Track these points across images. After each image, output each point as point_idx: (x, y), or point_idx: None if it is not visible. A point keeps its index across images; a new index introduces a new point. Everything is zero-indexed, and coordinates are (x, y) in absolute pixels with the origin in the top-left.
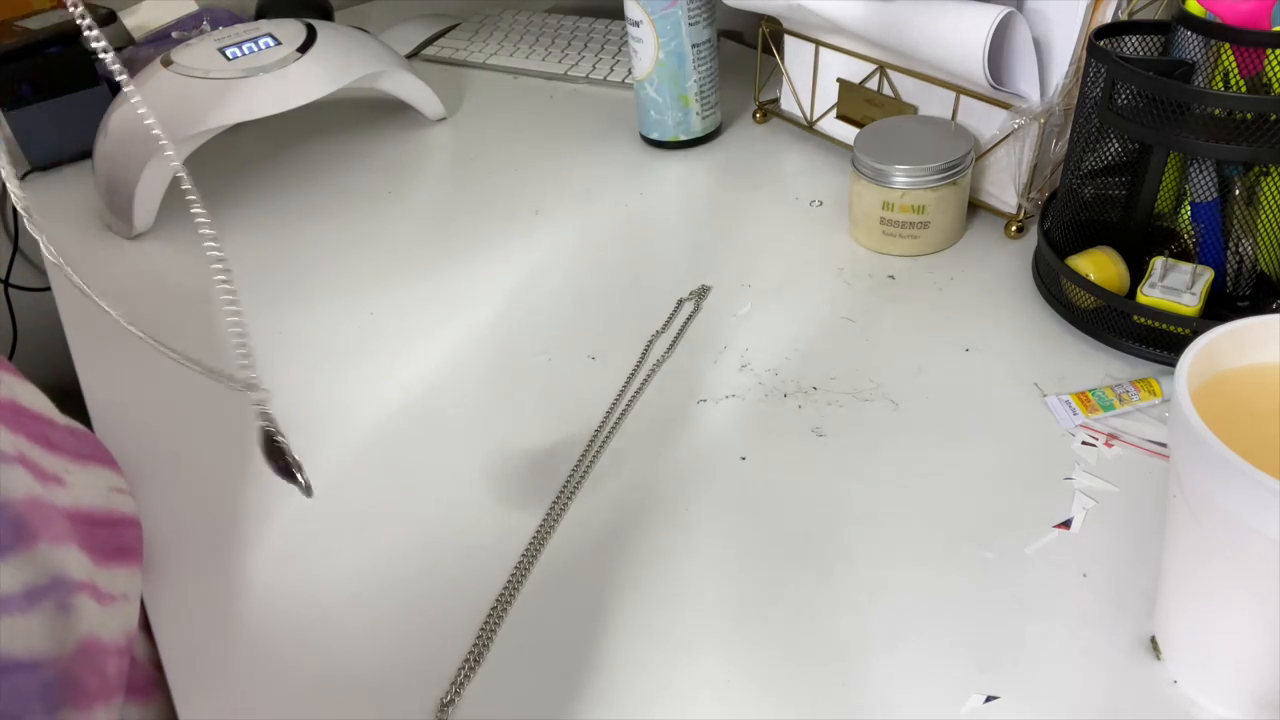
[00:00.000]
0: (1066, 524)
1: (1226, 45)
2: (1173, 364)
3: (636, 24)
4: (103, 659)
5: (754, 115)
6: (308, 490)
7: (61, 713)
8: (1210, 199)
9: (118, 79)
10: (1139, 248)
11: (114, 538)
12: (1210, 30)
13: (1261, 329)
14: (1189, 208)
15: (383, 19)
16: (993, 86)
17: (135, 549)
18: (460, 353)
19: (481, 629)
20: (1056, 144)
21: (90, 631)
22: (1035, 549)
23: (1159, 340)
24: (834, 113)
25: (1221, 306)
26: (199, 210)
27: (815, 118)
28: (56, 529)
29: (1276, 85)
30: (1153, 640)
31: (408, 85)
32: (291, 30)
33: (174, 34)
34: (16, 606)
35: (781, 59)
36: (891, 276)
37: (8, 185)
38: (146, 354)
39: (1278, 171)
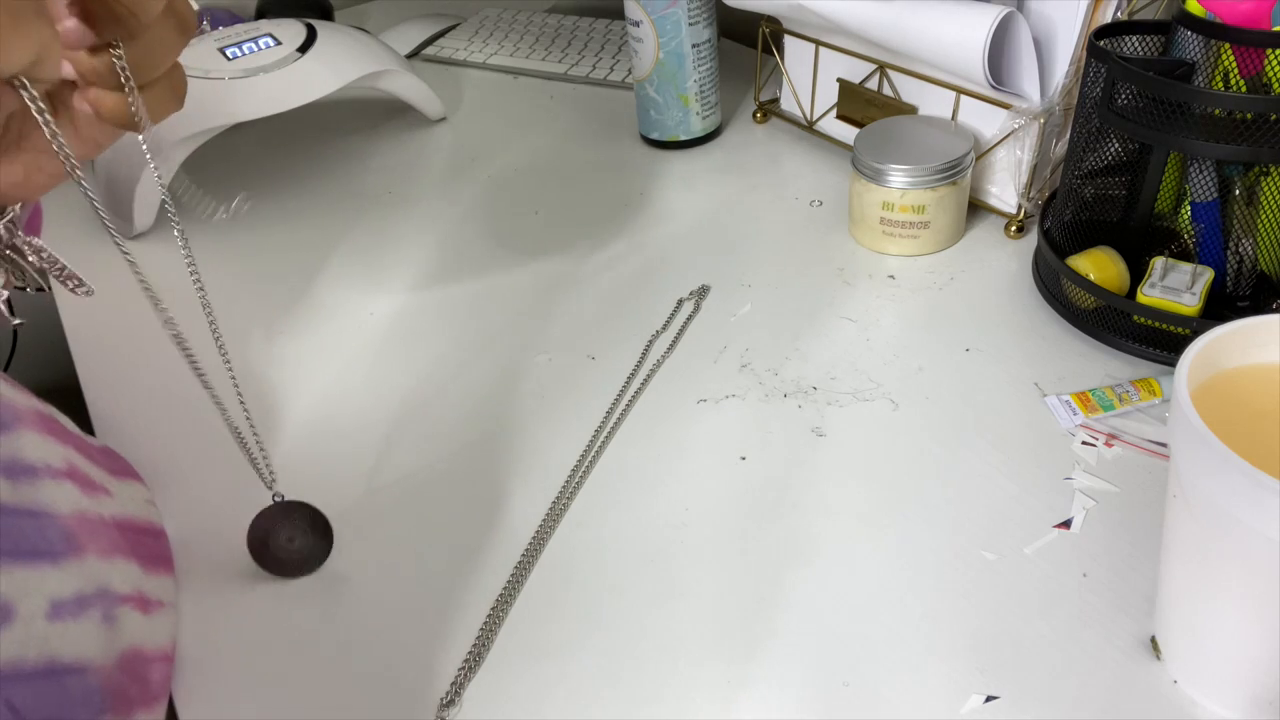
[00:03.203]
0: (1066, 524)
1: (1226, 45)
2: (1173, 364)
3: (636, 24)
4: (145, 667)
5: (754, 115)
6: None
7: (103, 719)
8: (1210, 199)
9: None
10: (1139, 248)
11: (155, 547)
12: (1210, 30)
13: (1262, 329)
14: (1189, 208)
15: (383, 19)
16: (993, 86)
17: (170, 558)
18: (460, 352)
19: (481, 629)
20: (1056, 144)
21: (133, 642)
22: (1035, 549)
23: (1159, 340)
24: (834, 113)
25: (1221, 306)
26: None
27: (815, 118)
28: (103, 542)
29: (1276, 85)
30: (1153, 640)
31: (408, 85)
32: (291, 30)
33: None
34: (68, 612)
35: (781, 59)
36: (891, 276)
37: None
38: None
39: (1278, 171)
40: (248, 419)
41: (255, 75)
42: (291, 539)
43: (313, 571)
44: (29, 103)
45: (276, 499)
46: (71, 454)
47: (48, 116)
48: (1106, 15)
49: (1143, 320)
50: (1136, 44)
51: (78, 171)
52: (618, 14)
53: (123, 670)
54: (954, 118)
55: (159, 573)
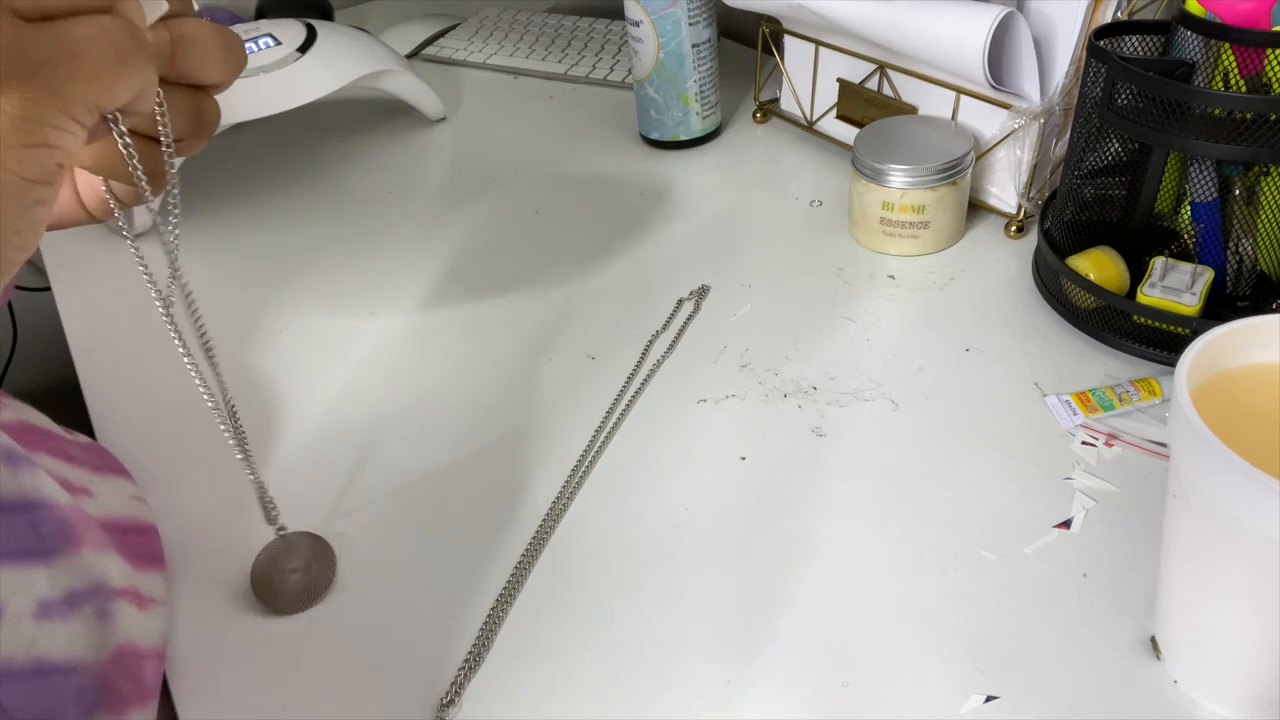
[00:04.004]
0: (1066, 524)
1: (1226, 45)
2: (1173, 364)
3: (636, 24)
4: (139, 664)
5: (754, 115)
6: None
7: (96, 717)
8: (1210, 199)
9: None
10: (1139, 248)
11: (144, 544)
12: (1210, 30)
13: (1261, 329)
14: (1189, 208)
15: (383, 19)
16: (993, 86)
17: (161, 555)
18: (460, 352)
19: (482, 629)
20: (1056, 144)
21: (127, 638)
22: (1035, 549)
23: (1159, 340)
24: (834, 113)
25: (1221, 306)
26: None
27: (815, 118)
28: (98, 536)
29: (1276, 85)
30: (1153, 640)
31: (408, 85)
32: (291, 30)
33: None
34: (57, 612)
35: (781, 59)
36: (891, 276)
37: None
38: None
39: (1278, 171)
40: (249, 456)
41: (255, 75)
42: (295, 570)
43: (315, 604)
44: (116, 138)
45: (280, 532)
46: (45, 460)
47: (132, 150)
48: (1106, 15)
49: (1143, 320)
50: (1136, 44)
51: (151, 209)
52: (618, 14)
53: (117, 667)
54: (954, 118)
55: (149, 569)
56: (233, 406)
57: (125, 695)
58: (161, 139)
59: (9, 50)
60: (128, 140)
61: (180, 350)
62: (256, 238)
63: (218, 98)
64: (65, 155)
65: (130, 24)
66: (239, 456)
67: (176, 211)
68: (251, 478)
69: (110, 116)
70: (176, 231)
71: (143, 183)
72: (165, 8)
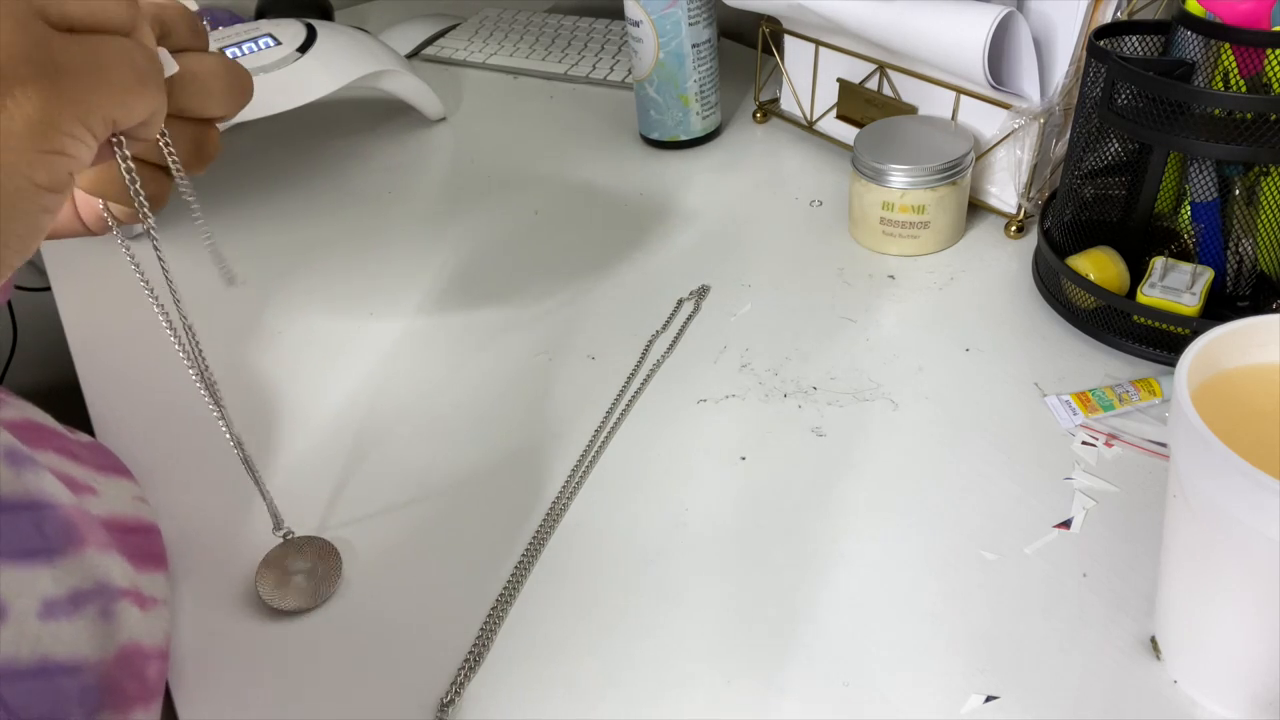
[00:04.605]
0: (1066, 524)
1: (1226, 45)
2: (1173, 364)
3: (636, 24)
4: (143, 664)
5: (754, 115)
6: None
7: (100, 716)
8: (1210, 199)
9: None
10: (1139, 248)
11: (146, 544)
12: (1210, 30)
13: (1261, 329)
14: (1189, 208)
15: (383, 19)
16: (993, 86)
17: (163, 555)
18: (460, 353)
19: (481, 629)
20: (1056, 144)
21: (131, 638)
22: (1035, 549)
23: (1159, 340)
24: (834, 113)
25: (1221, 306)
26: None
27: (815, 118)
28: (100, 536)
29: (1276, 85)
30: (1153, 640)
31: (408, 85)
32: (291, 30)
33: None
34: (62, 611)
35: (781, 59)
36: (891, 276)
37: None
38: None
39: (1278, 171)
40: (252, 465)
41: (255, 75)
42: (300, 571)
43: (318, 605)
44: (119, 160)
45: (288, 536)
46: (50, 458)
47: (135, 175)
48: (1106, 15)
49: (1143, 320)
50: (1136, 44)
51: (152, 231)
52: (618, 14)
53: (121, 667)
54: (954, 118)
55: (151, 569)
56: (237, 436)
57: (130, 695)
58: (171, 168)
59: (38, 53)
60: (131, 165)
61: (182, 357)
62: (256, 238)
63: None
64: (77, 165)
65: (148, 49)
66: (242, 464)
67: (198, 215)
68: (256, 485)
69: (115, 140)
70: (208, 235)
71: (145, 208)
72: (175, 69)
